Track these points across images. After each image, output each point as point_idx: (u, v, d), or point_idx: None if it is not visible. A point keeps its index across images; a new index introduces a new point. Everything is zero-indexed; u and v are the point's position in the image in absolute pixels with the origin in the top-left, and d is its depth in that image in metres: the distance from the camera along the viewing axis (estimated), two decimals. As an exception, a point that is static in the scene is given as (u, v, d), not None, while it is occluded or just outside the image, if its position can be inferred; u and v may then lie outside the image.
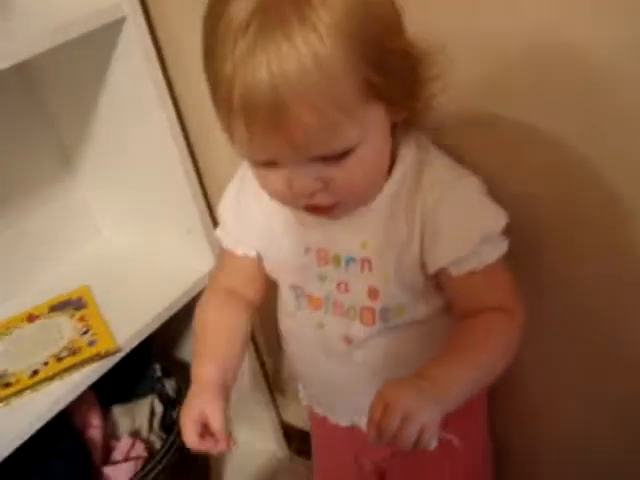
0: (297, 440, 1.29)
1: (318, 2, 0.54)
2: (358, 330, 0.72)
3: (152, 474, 1.02)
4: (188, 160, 1.03)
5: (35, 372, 0.94)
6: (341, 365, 0.75)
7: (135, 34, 0.93)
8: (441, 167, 0.68)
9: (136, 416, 1.16)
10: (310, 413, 0.90)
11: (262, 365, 1.25)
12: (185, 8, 0.91)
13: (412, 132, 0.69)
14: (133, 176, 1.11)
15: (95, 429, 1.08)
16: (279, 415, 1.30)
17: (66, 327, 1.02)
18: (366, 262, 0.69)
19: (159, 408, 1.17)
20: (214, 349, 0.76)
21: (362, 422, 0.78)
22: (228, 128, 0.59)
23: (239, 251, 0.78)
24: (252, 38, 0.54)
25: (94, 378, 0.95)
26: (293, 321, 0.78)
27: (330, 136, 0.57)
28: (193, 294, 1.05)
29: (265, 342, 1.23)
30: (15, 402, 0.90)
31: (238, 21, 0.54)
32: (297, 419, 1.28)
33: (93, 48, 0.96)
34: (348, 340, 0.73)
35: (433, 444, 0.60)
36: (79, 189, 1.20)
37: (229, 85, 0.55)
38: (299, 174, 0.60)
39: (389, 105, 0.61)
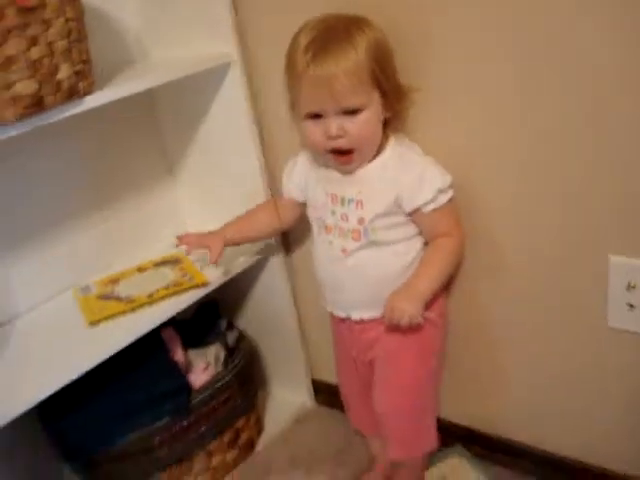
0: (324, 394, 1.67)
1: (357, 35, 1.04)
2: (351, 244, 1.15)
3: (220, 382, 1.42)
4: (265, 177, 1.44)
5: (150, 295, 1.35)
6: (339, 269, 1.18)
7: (238, 76, 1.35)
8: (410, 155, 1.14)
9: (206, 357, 1.55)
10: (331, 317, 1.30)
11: (302, 334, 1.64)
12: (271, 55, 1.35)
13: (393, 132, 1.16)
14: (218, 188, 1.53)
15: (179, 357, 1.47)
16: (310, 373, 1.68)
17: (169, 273, 1.41)
18: (359, 202, 1.14)
19: (222, 354, 1.55)
20: (239, 222, 1.37)
21: (352, 314, 1.21)
22: (298, 93, 1.08)
23: (285, 196, 1.29)
24: (320, 42, 1.03)
25: (190, 302, 1.34)
26: (318, 243, 1.22)
27: (353, 95, 1.05)
28: (264, 255, 1.49)
29: (305, 318, 1.63)
30: (137, 312, 1.31)
31: (310, 37, 1.05)
32: (325, 376, 1.66)
33: (204, 84, 1.40)
34: (344, 251, 1.16)
35: (420, 320, 1.10)
36: (175, 194, 1.62)
37: (306, 65, 1.04)
38: (332, 122, 1.07)
39: (383, 96, 1.09)
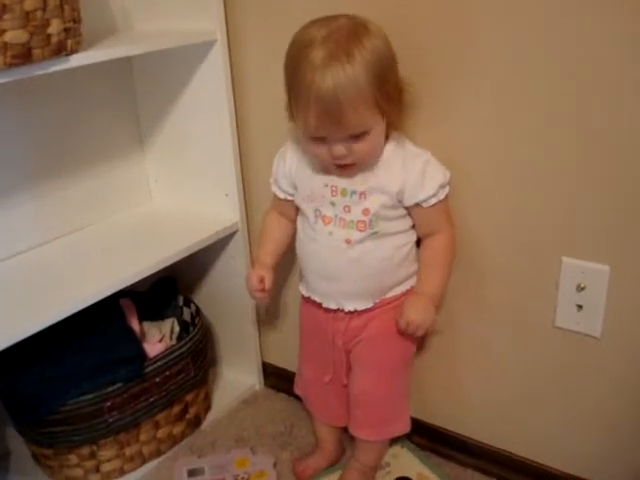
0: (272, 377, 1.71)
1: (357, 54, 1.03)
2: (356, 235, 1.17)
3: (175, 354, 1.43)
4: (236, 148, 1.46)
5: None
6: (339, 260, 1.19)
7: (220, 55, 1.37)
8: (412, 150, 1.17)
9: (161, 330, 1.56)
10: (305, 306, 1.33)
11: (256, 316, 1.66)
12: (254, 36, 1.39)
13: (393, 132, 1.18)
14: (188, 162, 1.55)
15: (135, 326, 1.48)
16: (262, 356, 1.71)
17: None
18: (363, 194, 1.16)
19: (177, 328, 1.57)
20: (267, 246, 1.35)
21: (345, 305, 1.23)
22: (305, 120, 1.08)
23: (281, 195, 1.28)
24: (324, 69, 1.02)
25: (150, 273, 1.34)
26: (312, 233, 1.22)
27: (359, 123, 1.06)
28: (226, 234, 1.50)
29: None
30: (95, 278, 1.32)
31: (314, 63, 1.03)
32: (274, 359, 1.70)
33: (186, 59, 1.42)
34: (348, 241, 1.18)
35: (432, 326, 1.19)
36: (143, 164, 1.63)
37: (310, 95, 1.04)
38: (337, 146, 1.09)
39: (384, 113, 1.10)
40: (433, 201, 1.15)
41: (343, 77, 1.01)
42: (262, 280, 1.30)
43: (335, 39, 1.04)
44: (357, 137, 1.08)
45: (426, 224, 1.20)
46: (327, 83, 1.02)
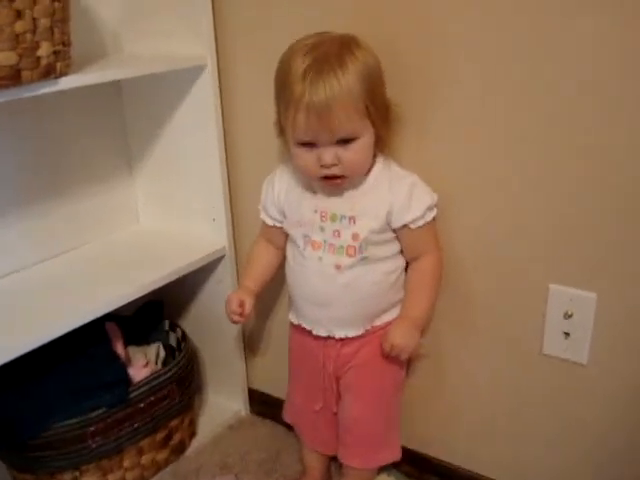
0: (258, 403, 1.69)
1: (349, 62, 1.05)
2: (345, 260, 1.16)
3: (160, 379, 1.42)
4: (225, 172, 1.46)
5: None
6: (329, 285, 1.18)
7: (210, 80, 1.38)
8: (398, 172, 1.18)
9: (146, 355, 1.55)
10: (294, 333, 1.32)
11: (243, 342, 1.66)
12: (243, 61, 1.39)
13: (380, 155, 1.18)
14: (176, 189, 1.55)
15: (120, 350, 1.46)
16: (248, 382, 1.69)
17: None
18: (352, 219, 1.16)
19: (162, 353, 1.56)
20: (252, 272, 1.34)
21: (335, 332, 1.22)
22: (293, 122, 1.07)
23: (269, 222, 1.28)
24: (315, 73, 1.03)
25: (136, 297, 1.34)
26: (301, 259, 1.21)
27: (350, 126, 1.07)
28: (213, 258, 1.50)
29: (247, 327, 1.64)
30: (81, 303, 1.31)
31: (304, 66, 1.04)
32: (261, 386, 1.68)
33: (175, 84, 1.42)
34: (338, 267, 1.17)
35: (417, 351, 1.19)
36: (132, 189, 1.62)
37: (300, 97, 1.04)
38: (326, 152, 1.09)
39: (374, 123, 1.11)
40: (420, 223, 1.15)
41: (335, 83, 1.03)
42: (242, 304, 1.28)
43: (326, 47, 1.06)
44: (346, 143, 1.08)
45: (413, 246, 1.19)
46: (318, 88, 1.03)
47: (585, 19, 0.99)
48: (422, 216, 1.15)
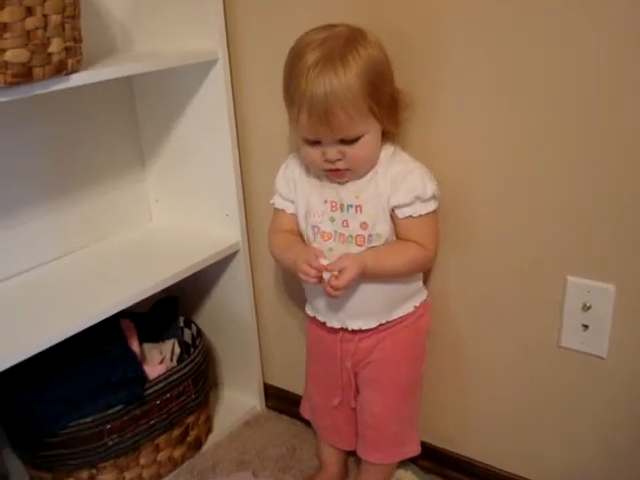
0: (274, 398, 1.68)
1: (352, 60, 1.04)
2: (355, 250, 1.15)
3: (175, 376, 1.41)
4: (237, 167, 1.46)
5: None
6: None
7: (221, 75, 1.37)
8: (402, 159, 1.16)
9: (161, 351, 1.54)
10: (311, 326, 1.31)
11: (259, 338, 1.65)
12: (254, 54, 1.38)
13: (387, 142, 1.17)
14: (190, 177, 1.54)
15: (135, 347, 1.46)
16: (263, 377, 1.69)
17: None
18: (358, 207, 1.15)
19: (178, 349, 1.55)
20: (294, 242, 1.22)
21: (348, 324, 1.21)
22: (297, 120, 1.07)
23: (288, 211, 1.25)
24: (318, 71, 1.03)
25: (151, 293, 1.33)
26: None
27: (351, 127, 1.06)
28: (227, 254, 1.49)
29: (263, 323, 1.64)
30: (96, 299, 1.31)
31: (309, 63, 1.04)
32: (276, 381, 1.68)
33: (186, 79, 1.42)
34: None
35: (347, 286, 1.11)
36: (144, 184, 1.62)
37: (303, 94, 1.04)
38: (330, 149, 1.08)
39: (380, 121, 1.10)
40: (407, 212, 1.12)
41: (335, 82, 1.02)
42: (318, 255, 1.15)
43: (332, 44, 1.05)
44: (350, 142, 1.08)
45: (403, 235, 1.16)
46: (319, 86, 1.03)
47: (605, 4, 0.97)
48: (409, 204, 1.12)
